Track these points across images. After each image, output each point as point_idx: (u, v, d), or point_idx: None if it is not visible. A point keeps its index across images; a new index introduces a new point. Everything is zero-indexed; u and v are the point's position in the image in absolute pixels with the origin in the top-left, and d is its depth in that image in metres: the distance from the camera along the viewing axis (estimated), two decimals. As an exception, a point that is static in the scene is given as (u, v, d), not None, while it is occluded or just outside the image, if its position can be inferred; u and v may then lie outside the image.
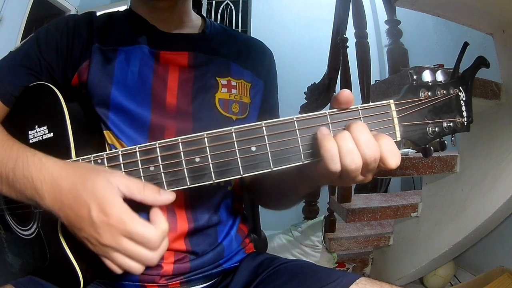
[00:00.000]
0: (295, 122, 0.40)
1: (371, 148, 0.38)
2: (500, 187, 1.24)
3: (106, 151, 0.46)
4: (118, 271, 0.43)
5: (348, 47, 1.70)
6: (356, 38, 1.53)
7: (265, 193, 0.68)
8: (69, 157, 0.50)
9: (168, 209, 0.60)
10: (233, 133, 0.40)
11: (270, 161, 0.40)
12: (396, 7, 1.53)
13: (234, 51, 0.69)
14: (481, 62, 0.43)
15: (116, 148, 0.54)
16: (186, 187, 0.42)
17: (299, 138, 0.40)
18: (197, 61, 0.65)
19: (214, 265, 0.63)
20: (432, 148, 0.43)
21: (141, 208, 0.43)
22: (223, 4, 3.47)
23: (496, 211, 1.25)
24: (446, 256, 1.51)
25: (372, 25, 3.06)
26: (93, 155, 0.46)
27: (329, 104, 0.47)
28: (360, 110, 0.41)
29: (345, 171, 0.39)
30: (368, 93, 1.42)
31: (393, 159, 0.39)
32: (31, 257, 0.59)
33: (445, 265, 1.66)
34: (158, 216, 0.43)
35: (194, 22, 0.71)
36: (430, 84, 0.42)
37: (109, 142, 0.59)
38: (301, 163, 0.41)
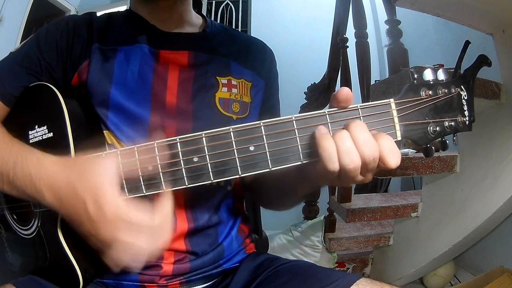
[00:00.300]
0: (294, 121, 0.40)
1: (370, 147, 0.38)
2: (500, 187, 1.24)
3: (106, 151, 0.46)
4: (118, 268, 0.42)
5: (348, 47, 1.70)
6: (356, 38, 1.53)
7: (265, 193, 0.68)
8: (69, 157, 0.50)
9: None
10: (231, 133, 0.40)
11: (269, 160, 0.40)
12: (396, 7, 1.53)
13: (235, 50, 0.69)
14: (482, 60, 0.43)
15: (116, 148, 0.54)
16: (185, 186, 0.41)
17: (297, 138, 0.40)
18: (197, 60, 0.65)
19: (214, 265, 0.63)
20: (433, 147, 0.43)
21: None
22: (223, 4, 3.47)
23: (496, 211, 1.25)
24: (446, 256, 1.51)
25: (372, 25, 3.06)
26: (92, 155, 0.46)
27: (328, 104, 0.47)
28: (360, 109, 0.41)
29: (344, 171, 0.39)
30: (368, 93, 1.42)
31: (393, 159, 0.39)
32: (31, 257, 0.59)
33: (445, 265, 1.66)
34: (163, 199, 0.42)
35: (194, 22, 0.70)
36: (431, 83, 0.42)
37: (109, 142, 0.59)
38: (299, 162, 0.41)
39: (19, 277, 0.55)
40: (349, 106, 0.41)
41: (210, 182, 0.41)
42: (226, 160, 0.40)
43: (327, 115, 0.41)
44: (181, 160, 0.40)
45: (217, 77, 0.65)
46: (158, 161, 0.41)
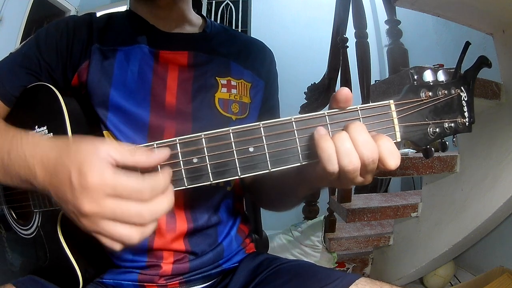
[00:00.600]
0: (294, 122, 0.40)
1: (369, 148, 0.38)
2: (500, 187, 1.24)
3: None
4: (116, 246, 0.38)
5: (348, 47, 1.70)
6: (356, 38, 1.53)
7: (265, 194, 0.68)
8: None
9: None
10: (231, 134, 0.40)
11: (268, 162, 0.40)
12: (396, 7, 1.53)
13: (234, 50, 0.69)
14: (483, 61, 0.43)
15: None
16: (184, 187, 0.41)
17: (297, 139, 0.40)
18: (197, 60, 0.65)
19: (214, 265, 0.63)
20: (433, 148, 0.43)
21: None
22: (223, 4, 3.47)
23: (496, 211, 1.25)
24: (446, 256, 1.51)
25: (372, 25, 3.06)
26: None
27: (328, 104, 0.47)
28: (359, 111, 0.41)
29: (343, 172, 0.39)
30: (368, 93, 1.42)
31: (393, 160, 0.39)
32: (31, 257, 0.59)
33: (445, 265, 1.66)
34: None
35: (194, 22, 0.70)
36: (431, 84, 0.42)
37: (109, 142, 0.59)
38: (299, 164, 0.41)
39: (19, 277, 0.55)
40: (349, 108, 0.41)
41: (209, 183, 0.41)
42: (225, 161, 0.40)
43: (326, 116, 0.41)
44: (181, 161, 0.40)
45: (216, 77, 0.65)
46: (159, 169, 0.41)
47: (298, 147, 0.40)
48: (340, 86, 1.70)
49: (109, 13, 0.68)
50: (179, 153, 0.40)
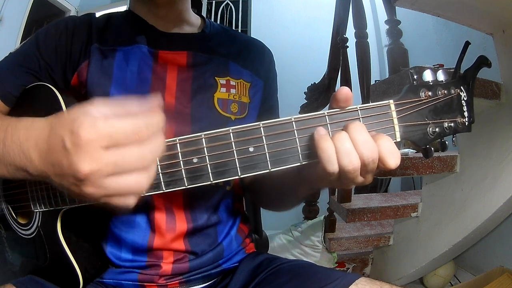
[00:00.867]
0: (293, 122, 0.40)
1: (369, 148, 0.38)
2: (500, 187, 1.24)
3: None
4: (129, 201, 0.35)
5: (348, 47, 1.70)
6: (356, 38, 1.53)
7: (265, 194, 0.68)
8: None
9: (167, 209, 0.60)
10: (231, 134, 0.40)
11: (268, 162, 0.40)
12: (396, 7, 1.53)
13: (234, 50, 0.69)
14: (482, 61, 0.43)
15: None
16: (184, 187, 0.41)
17: (297, 139, 0.40)
18: (196, 60, 0.65)
19: (214, 265, 0.63)
20: (432, 148, 0.43)
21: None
22: (223, 4, 3.47)
23: (496, 211, 1.25)
24: (446, 256, 1.51)
25: (372, 25, 3.06)
26: None
27: (328, 104, 0.47)
28: (359, 111, 0.41)
29: (343, 172, 0.39)
30: (368, 93, 1.42)
31: (393, 160, 0.39)
32: (31, 257, 0.59)
33: (445, 265, 1.66)
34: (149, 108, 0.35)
35: (193, 22, 0.71)
36: (431, 83, 0.42)
37: (109, 142, 0.59)
38: (299, 164, 0.41)
39: (19, 277, 0.55)
40: (349, 107, 0.41)
41: (209, 183, 0.41)
42: (225, 161, 0.40)
43: (326, 116, 0.41)
44: (181, 161, 0.40)
45: (215, 77, 0.65)
46: (158, 162, 0.41)
47: (298, 147, 0.40)
48: (340, 86, 1.71)
49: (109, 13, 0.68)
50: (179, 153, 0.40)
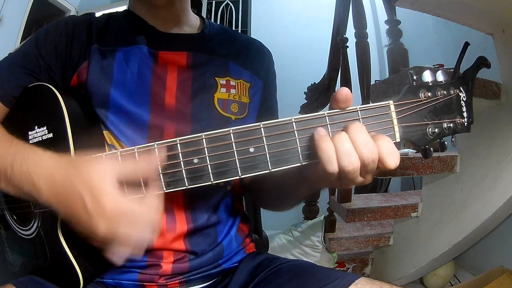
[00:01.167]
0: (294, 123, 0.40)
1: (369, 149, 0.38)
2: (500, 187, 1.24)
3: (105, 151, 0.46)
4: (120, 261, 0.42)
5: (348, 47, 1.70)
6: (356, 38, 1.53)
7: (265, 194, 0.68)
8: (69, 157, 0.50)
9: (167, 209, 0.60)
10: (232, 134, 0.40)
11: (268, 162, 0.40)
12: (396, 7, 1.53)
13: (233, 51, 0.69)
14: (481, 62, 0.43)
15: (116, 149, 0.54)
16: (185, 188, 0.41)
17: (297, 139, 0.40)
18: (196, 61, 0.65)
19: (214, 265, 0.63)
20: (432, 148, 0.43)
21: None
22: (223, 4, 3.47)
23: (496, 211, 1.25)
24: (446, 256, 1.51)
25: (372, 25, 3.06)
26: (92, 156, 0.46)
27: (328, 104, 0.47)
28: (359, 111, 0.41)
29: (343, 173, 0.39)
30: (368, 93, 1.42)
31: (392, 160, 0.39)
32: (32, 257, 0.59)
33: (445, 265, 1.66)
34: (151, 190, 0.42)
35: (192, 22, 0.71)
36: (430, 84, 0.42)
37: (109, 142, 0.59)
38: (299, 164, 0.41)
39: (19, 277, 0.55)
40: (349, 108, 0.41)
41: (210, 183, 0.41)
42: (226, 162, 0.40)
43: (326, 116, 0.41)
44: (181, 162, 0.40)
45: (215, 77, 0.65)
46: (158, 162, 0.42)
47: (298, 147, 0.40)
48: (340, 86, 1.70)
49: (108, 13, 0.68)
50: (180, 154, 0.40)
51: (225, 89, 0.65)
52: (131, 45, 0.62)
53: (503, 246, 1.52)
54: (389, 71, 1.75)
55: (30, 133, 0.55)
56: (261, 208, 0.89)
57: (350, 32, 1.61)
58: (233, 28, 3.30)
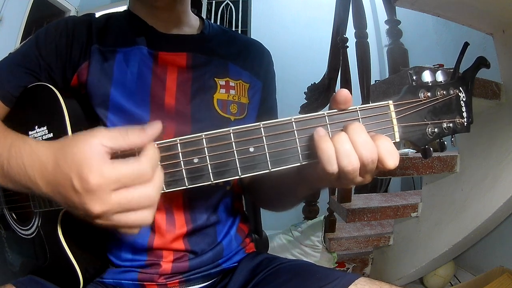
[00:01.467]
0: (293, 123, 0.40)
1: (369, 149, 0.38)
2: (500, 187, 1.24)
3: None
4: (134, 231, 0.39)
5: (348, 47, 1.70)
6: (356, 38, 1.53)
7: (264, 194, 0.68)
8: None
9: (167, 209, 0.60)
10: (231, 134, 0.40)
11: (268, 162, 0.40)
12: (396, 7, 1.53)
13: (233, 51, 0.70)
14: (481, 62, 0.43)
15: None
16: (185, 187, 0.41)
17: (297, 139, 0.40)
18: (195, 62, 0.65)
19: (213, 264, 0.64)
20: (431, 148, 0.43)
21: None
22: (223, 4, 3.47)
23: (496, 211, 1.25)
24: (446, 256, 1.51)
25: (372, 25, 3.06)
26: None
27: (328, 104, 0.47)
28: (359, 111, 0.41)
29: (343, 173, 0.39)
30: (368, 93, 1.42)
31: (391, 160, 0.39)
32: (32, 257, 0.59)
33: (445, 265, 1.66)
34: (146, 147, 0.38)
35: (192, 23, 0.71)
36: (430, 84, 0.42)
37: (109, 142, 0.59)
38: (299, 164, 0.41)
39: (19, 277, 0.55)
40: (348, 108, 0.41)
41: (210, 183, 0.41)
42: (226, 161, 0.40)
43: (326, 116, 0.41)
44: (181, 161, 0.40)
45: (215, 78, 0.65)
46: (159, 163, 0.41)
47: (298, 147, 0.41)
48: (340, 86, 1.71)
49: (108, 14, 0.68)
50: (180, 153, 0.40)
51: (224, 90, 0.65)
52: (131, 46, 0.62)
53: (503, 246, 1.52)
54: (389, 71, 1.75)
55: (30, 133, 0.55)
56: (261, 208, 0.89)
57: (350, 32, 1.62)
58: (233, 28, 3.30)
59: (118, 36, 0.63)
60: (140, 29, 0.65)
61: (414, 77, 0.42)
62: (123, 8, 0.71)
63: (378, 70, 2.96)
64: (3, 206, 0.63)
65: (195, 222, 0.61)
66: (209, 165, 0.40)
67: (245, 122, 0.66)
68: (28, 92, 0.59)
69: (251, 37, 2.53)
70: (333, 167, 0.39)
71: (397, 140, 0.42)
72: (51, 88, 0.55)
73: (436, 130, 0.42)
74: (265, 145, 0.40)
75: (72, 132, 0.52)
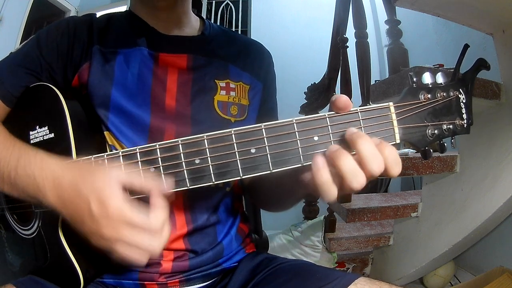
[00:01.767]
0: (295, 124, 0.40)
1: (378, 164, 0.38)
2: (500, 187, 1.24)
3: (107, 152, 0.46)
4: (123, 263, 0.43)
5: (348, 47, 1.70)
6: (356, 38, 1.53)
7: (264, 196, 0.69)
8: (70, 157, 0.50)
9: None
10: (233, 135, 0.40)
11: (270, 163, 0.40)
12: (396, 7, 1.53)
13: (233, 53, 0.70)
14: (481, 64, 0.43)
15: (117, 149, 0.54)
16: (186, 188, 0.42)
17: (298, 141, 0.41)
18: (196, 63, 0.65)
19: (214, 264, 0.64)
20: (431, 150, 0.43)
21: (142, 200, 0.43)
22: (223, 4, 3.47)
23: (496, 211, 1.25)
24: (446, 256, 1.51)
25: (372, 25, 3.06)
26: (93, 156, 0.46)
27: (328, 104, 0.47)
28: (359, 113, 0.41)
29: (346, 190, 0.39)
30: (368, 93, 1.42)
31: (397, 169, 0.39)
32: (32, 257, 0.59)
33: (445, 265, 1.67)
34: (158, 201, 0.43)
35: (193, 24, 0.71)
36: (430, 86, 0.42)
37: (109, 143, 0.59)
38: (300, 165, 0.41)
39: (19, 277, 0.55)
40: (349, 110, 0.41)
41: (211, 183, 0.41)
42: (227, 162, 0.41)
43: (327, 118, 0.41)
44: (183, 162, 0.41)
45: (215, 80, 0.65)
46: (160, 163, 0.42)
47: (299, 148, 0.41)
48: (340, 86, 1.71)
49: (109, 14, 0.68)
50: (182, 154, 0.41)
51: (224, 91, 0.65)
52: (132, 47, 0.62)
53: (503, 246, 1.52)
54: (389, 71, 1.75)
55: (31, 133, 0.55)
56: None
57: (350, 32, 1.61)
58: (233, 28, 3.30)
59: (119, 37, 0.63)
60: (141, 30, 0.65)
61: (415, 79, 0.42)
62: (123, 8, 0.71)
63: (378, 70, 2.96)
64: (4, 206, 0.63)
65: (196, 222, 0.61)
66: (210, 166, 0.41)
67: (246, 123, 0.66)
68: (29, 92, 0.59)
69: (251, 37, 2.53)
70: (332, 197, 0.39)
71: (398, 141, 0.42)
72: (52, 88, 0.55)
73: (436, 131, 0.42)
74: (267, 146, 0.40)
75: (73, 132, 0.52)
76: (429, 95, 0.42)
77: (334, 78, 1.87)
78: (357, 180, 0.38)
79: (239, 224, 0.70)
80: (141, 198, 0.44)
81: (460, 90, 0.43)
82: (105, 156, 0.45)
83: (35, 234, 0.57)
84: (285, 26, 3.29)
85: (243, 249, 0.69)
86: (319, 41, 2.97)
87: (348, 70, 1.66)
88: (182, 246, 0.61)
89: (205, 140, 0.40)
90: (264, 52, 0.75)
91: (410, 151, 1.57)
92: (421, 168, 1.41)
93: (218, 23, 0.74)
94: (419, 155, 1.42)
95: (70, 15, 3.06)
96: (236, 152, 0.40)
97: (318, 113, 0.44)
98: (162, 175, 0.41)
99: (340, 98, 0.40)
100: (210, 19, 3.27)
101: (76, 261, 0.51)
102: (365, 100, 1.40)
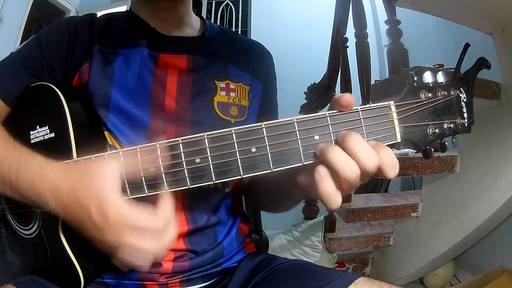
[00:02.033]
0: (295, 123, 0.40)
1: (372, 160, 0.37)
2: (500, 187, 1.24)
3: (107, 152, 0.46)
4: (126, 268, 0.43)
5: (348, 47, 1.70)
6: (356, 38, 1.53)
7: (263, 197, 0.68)
8: (71, 157, 0.50)
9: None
10: (234, 134, 0.40)
11: (270, 162, 0.40)
12: (396, 7, 1.53)
13: (233, 53, 0.69)
14: (482, 63, 0.43)
15: (117, 149, 0.54)
16: (187, 187, 0.42)
17: (299, 140, 0.40)
18: (196, 64, 0.65)
19: (214, 264, 0.64)
20: (432, 149, 0.43)
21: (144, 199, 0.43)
22: (223, 4, 3.47)
23: (496, 211, 1.25)
24: (446, 256, 1.51)
25: (372, 25, 3.07)
26: (94, 155, 0.46)
27: (328, 104, 0.47)
28: (360, 112, 0.41)
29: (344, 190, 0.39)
30: (368, 93, 1.42)
31: (393, 171, 0.39)
32: (32, 257, 0.59)
33: (445, 265, 1.67)
34: (164, 200, 0.42)
35: (194, 24, 0.71)
36: (431, 85, 0.42)
37: (110, 143, 0.59)
38: (301, 164, 0.41)
39: (20, 277, 0.55)
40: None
41: (212, 183, 0.41)
42: (228, 161, 0.40)
43: (328, 117, 0.41)
44: (183, 161, 0.41)
45: (215, 81, 0.65)
46: (160, 162, 0.42)
47: (300, 147, 0.40)
48: (340, 86, 1.71)
49: (110, 14, 0.68)
50: (182, 153, 0.41)
51: (224, 92, 0.65)
52: (132, 48, 0.62)
53: (503, 246, 1.52)
54: (389, 71, 1.75)
55: (31, 132, 0.55)
56: (260, 209, 0.89)
57: (350, 32, 1.61)
58: (233, 28, 3.30)
59: (119, 37, 0.63)
60: (141, 30, 0.65)
61: (415, 78, 0.42)
62: (123, 8, 0.72)
63: (378, 70, 2.97)
64: (4, 206, 0.63)
65: (196, 222, 0.61)
66: (211, 165, 0.41)
67: (246, 124, 0.66)
68: (30, 92, 0.59)
69: (251, 37, 2.53)
70: (336, 205, 0.39)
71: (398, 140, 0.41)
72: (53, 88, 0.55)
73: (437, 130, 0.42)
74: (267, 145, 0.40)
75: (74, 131, 0.52)
76: (430, 94, 0.42)
77: (334, 78, 1.87)
78: (350, 168, 0.37)
79: (239, 224, 0.70)
80: (141, 198, 0.43)
81: (461, 89, 0.43)
82: (106, 155, 0.45)
83: (35, 234, 0.57)
84: (285, 26, 3.29)
85: (243, 249, 0.69)
86: (319, 41, 2.97)
87: (348, 70, 1.66)
88: (183, 246, 0.61)
89: (206, 139, 0.40)
90: (264, 53, 0.75)
91: (410, 151, 1.57)
92: (421, 168, 1.41)
93: (218, 23, 0.74)
94: (419, 155, 1.43)
95: (70, 15, 3.06)
96: (237, 151, 0.40)
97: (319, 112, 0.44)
98: (162, 174, 0.41)
99: (344, 96, 0.40)
100: (210, 19, 3.28)
101: (77, 261, 0.51)
102: (365, 100, 1.40)
